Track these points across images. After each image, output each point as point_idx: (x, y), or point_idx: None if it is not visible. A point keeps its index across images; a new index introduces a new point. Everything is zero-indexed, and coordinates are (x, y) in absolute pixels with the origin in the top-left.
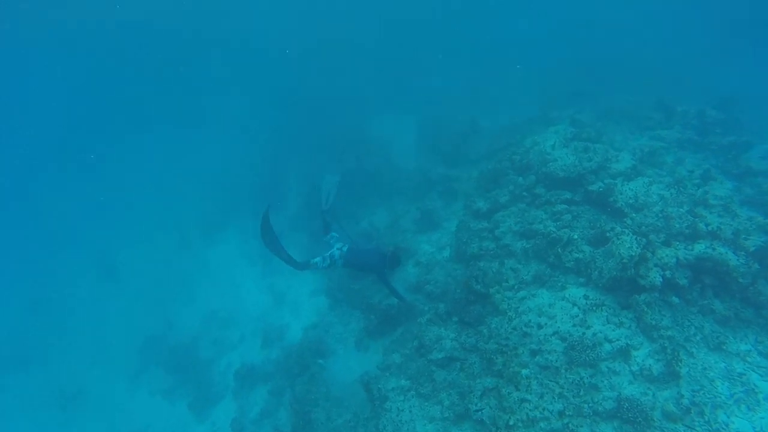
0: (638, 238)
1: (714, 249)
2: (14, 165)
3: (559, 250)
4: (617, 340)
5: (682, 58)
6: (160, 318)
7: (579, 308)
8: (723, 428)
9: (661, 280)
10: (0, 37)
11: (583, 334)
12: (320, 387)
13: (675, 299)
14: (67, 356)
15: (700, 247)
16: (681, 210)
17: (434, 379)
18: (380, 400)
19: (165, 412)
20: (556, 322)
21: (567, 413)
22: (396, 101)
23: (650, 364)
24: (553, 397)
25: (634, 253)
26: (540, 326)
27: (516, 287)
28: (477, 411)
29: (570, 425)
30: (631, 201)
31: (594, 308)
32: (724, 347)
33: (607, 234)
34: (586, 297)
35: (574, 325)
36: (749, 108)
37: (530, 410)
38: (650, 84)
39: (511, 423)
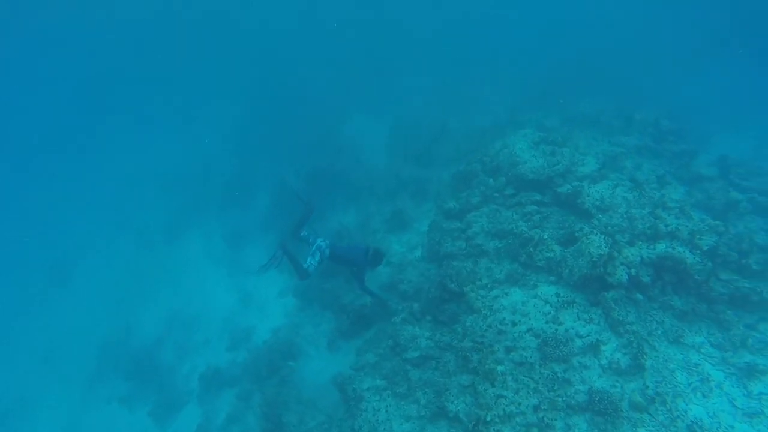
0: (606, 237)
1: (674, 248)
2: None
3: (531, 249)
4: (587, 335)
5: (642, 65)
6: (118, 322)
7: (551, 305)
8: (682, 415)
9: (627, 277)
10: None
11: (556, 330)
12: (291, 389)
13: (639, 296)
14: (9, 365)
15: (661, 247)
16: (643, 211)
17: (410, 378)
18: (355, 400)
19: (123, 421)
20: (529, 319)
21: (542, 407)
22: (369, 103)
23: (618, 358)
24: (528, 392)
25: (603, 252)
26: (514, 323)
27: (489, 286)
28: (453, 408)
29: (545, 419)
30: (597, 203)
31: (565, 305)
32: (682, 340)
33: (576, 234)
34: (557, 295)
35: (546, 322)
36: (696, 117)
37: (506, 405)
38: (613, 89)
39: (488, 419)
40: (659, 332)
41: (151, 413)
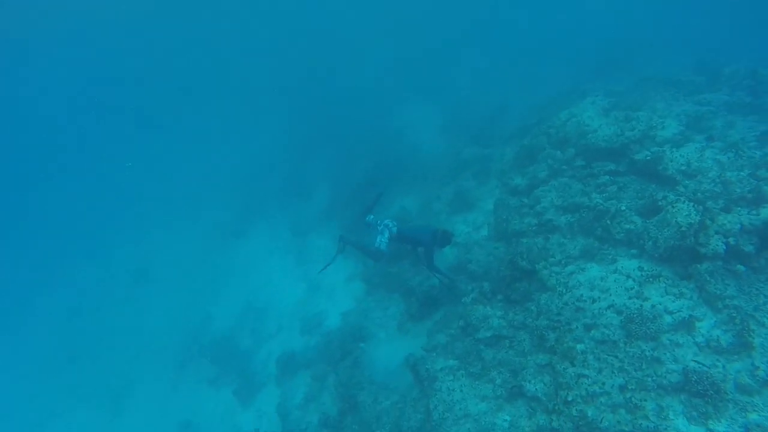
0: (695, 205)
1: None
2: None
3: (608, 221)
4: (678, 311)
5: (711, 21)
6: (198, 313)
7: (634, 280)
8: None
9: (724, 247)
10: None
11: (641, 306)
12: (364, 371)
13: (740, 267)
14: (111, 355)
15: (767, 212)
16: (741, 174)
17: (483, 358)
18: (429, 380)
19: (211, 400)
20: (610, 295)
21: (629, 387)
22: (423, 88)
23: (717, 335)
24: (613, 372)
25: (693, 221)
26: (593, 300)
27: (563, 262)
28: (531, 388)
29: (633, 399)
30: (683, 168)
31: (650, 279)
32: None
33: (659, 203)
34: (640, 269)
35: (630, 298)
36: None
37: (589, 386)
38: (687, 47)
39: (569, 399)
40: None
41: (235, 392)
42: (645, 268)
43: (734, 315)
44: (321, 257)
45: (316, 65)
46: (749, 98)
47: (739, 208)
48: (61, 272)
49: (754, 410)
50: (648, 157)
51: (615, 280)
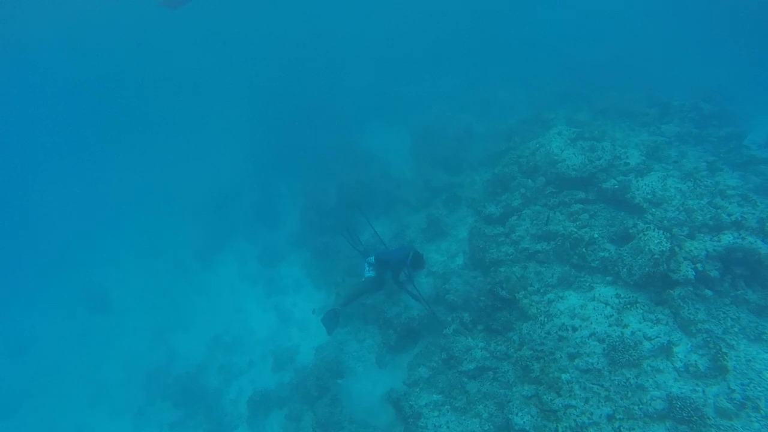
0: (665, 232)
1: (743, 238)
2: None
3: (583, 249)
4: (657, 337)
5: (656, 55)
6: (161, 348)
7: (612, 307)
8: None
9: (694, 273)
10: None
11: (622, 333)
12: (343, 408)
13: (708, 292)
14: (62, 399)
15: (727, 238)
16: (701, 202)
17: (467, 391)
18: (413, 417)
19: None
20: (591, 323)
21: (617, 417)
22: (385, 110)
23: (695, 360)
24: (600, 401)
25: (664, 248)
26: (575, 329)
27: (542, 291)
28: (519, 421)
29: (622, 429)
30: (649, 196)
31: (628, 306)
32: (764, 337)
33: (630, 231)
34: (617, 296)
35: (610, 325)
36: (730, 100)
37: (577, 416)
38: (638, 79)
39: (559, 431)
40: (736, 330)
41: None
42: (622, 295)
43: (708, 339)
44: (292, 287)
45: (287, 83)
46: (696, 130)
47: (702, 235)
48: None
49: None
50: (616, 186)
51: (594, 308)
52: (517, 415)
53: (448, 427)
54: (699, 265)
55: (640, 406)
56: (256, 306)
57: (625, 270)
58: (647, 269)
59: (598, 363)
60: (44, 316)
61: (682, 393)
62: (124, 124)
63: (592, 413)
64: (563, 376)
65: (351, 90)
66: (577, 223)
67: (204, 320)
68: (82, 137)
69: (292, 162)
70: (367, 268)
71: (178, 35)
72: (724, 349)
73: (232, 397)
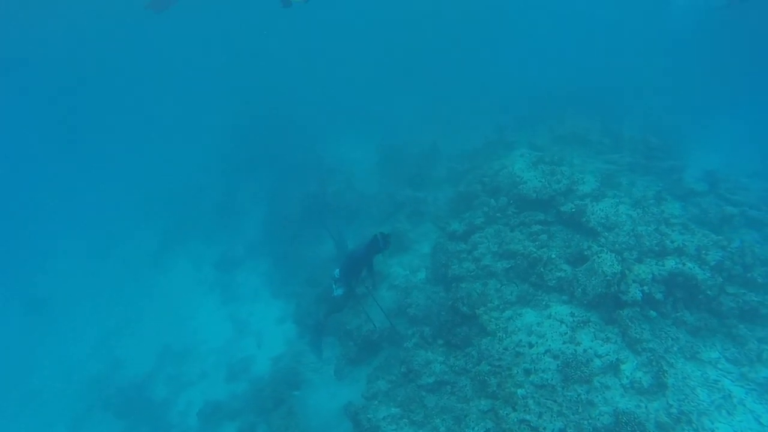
0: (616, 255)
1: (684, 264)
2: None
3: (541, 269)
4: (606, 355)
5: (612, 87)
6: (105, 355)
7: (567, 326)
8: None
9: (641, 295)
10: None
11: (575, 350)
12: (299, 421)
13: (652, 313)
14: None
15: (670, 263)
16: (649, 228)
17: (426, 405)
18: (371, 430)
19: None
20: (546, 340)
21: (568, 431)
22: (353, 125)
23: (639, 377)
24: (553, 416)
25: (616, 271)
26: (531, 345)
27: (501, 307)
28: None
29: None
30: (602, 221)
31: (581, 325)
32: (698, 356)
33: (585, 253)
34: (572, 314)
35: (564, 343)
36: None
37: (531, 430)
38: (594, 107)
39: None
40: (675, 349)
41: None
42: (576, 314)
43: (651, 357)
44: (249, 295)
45: (258, 89)
46: (644, 161)
47: (649, 259)
48: None
49: None
50: (573, 209)
51: (550, 326)
52: (473, 429)
53: None
54: (646, 288)
55: (590, 420)
56: (210, 313)
57: (579, 290)
58: (600, 290)
59: (552, 379)
60: None
61: (627, 408)
62: (85, 120)
63: (545, 427)
64: (519, 391)
65: (320, 104)
66: (536, 243)
67: (154, 326)
68: (39, 133)
69: (258, 168)
70: (334, 287)
71: (159, 36)
72: (664, 367)
73: (180, 408)
